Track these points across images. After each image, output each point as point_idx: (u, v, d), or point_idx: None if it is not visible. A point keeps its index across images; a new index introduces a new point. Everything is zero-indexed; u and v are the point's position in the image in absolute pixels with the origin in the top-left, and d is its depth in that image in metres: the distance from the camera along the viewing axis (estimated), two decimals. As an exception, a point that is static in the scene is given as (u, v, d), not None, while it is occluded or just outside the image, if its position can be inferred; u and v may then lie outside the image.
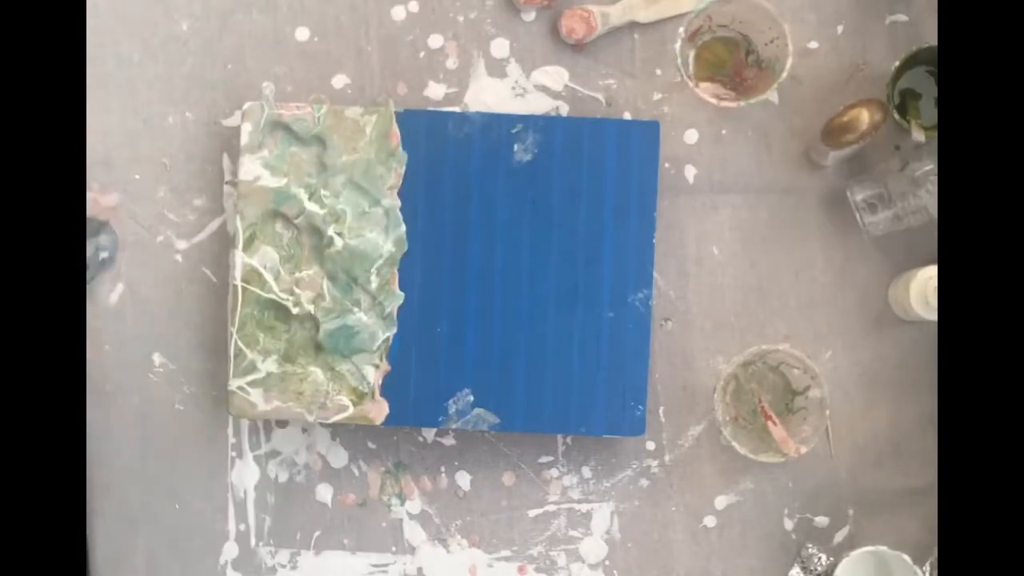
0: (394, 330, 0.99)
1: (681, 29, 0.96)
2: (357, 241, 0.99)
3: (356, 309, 0.99)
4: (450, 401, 0.99)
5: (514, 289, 0.99)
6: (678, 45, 0.96)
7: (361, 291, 0.99)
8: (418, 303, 0.99)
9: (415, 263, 0.99)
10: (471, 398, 0.99)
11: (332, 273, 0.99)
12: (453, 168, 1.00)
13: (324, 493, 1.05)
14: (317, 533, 1.05)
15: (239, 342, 0.99)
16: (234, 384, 0.99)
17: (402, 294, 0.99)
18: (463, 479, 1.04)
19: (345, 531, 1.05)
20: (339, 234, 0.99)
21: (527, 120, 0.99)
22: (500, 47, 1.04)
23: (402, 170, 0.99)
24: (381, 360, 0.99)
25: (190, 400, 1.05)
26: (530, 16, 1.04)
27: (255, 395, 0.99)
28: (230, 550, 1.05)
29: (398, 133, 0.99)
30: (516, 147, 0.99)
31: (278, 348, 0.99)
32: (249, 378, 0.99)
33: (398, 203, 0.99)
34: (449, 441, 1.04)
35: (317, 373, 0.99)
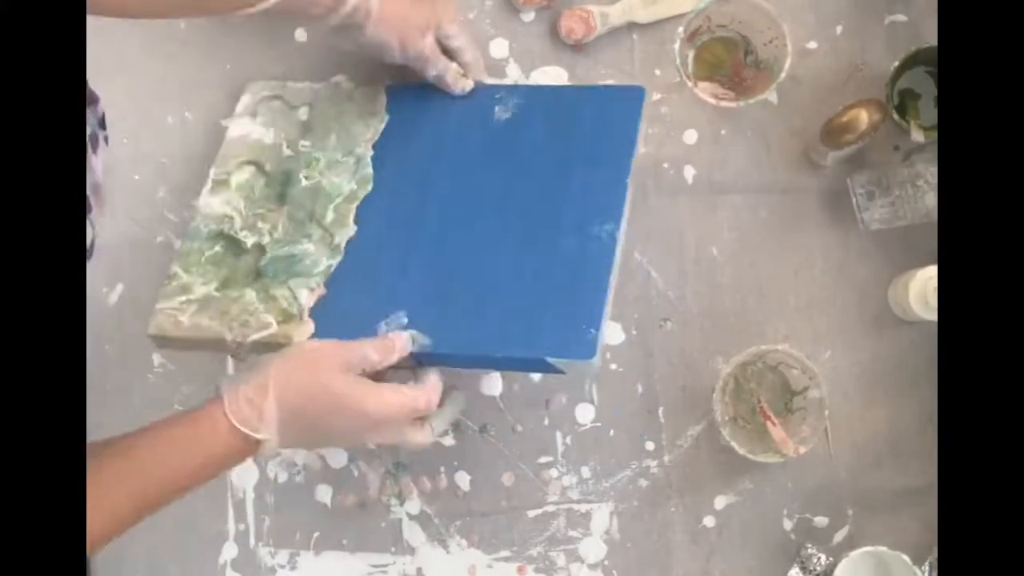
0: (339, 259, 0.95)
1: (680, 29, 0.96)
2: (322, 182, 0.98)
3: (305, 241, 0.96)
4: (381, 323, 0.91)
5: (471, 223, 0.94)
6: (677, 45, 0.96)
7: (315, 226, 0.97)
8: (372, 237, 0.95)
9: (378, 203, 0.97)
10: (404, 320, 0.90)
11: (291, 212, 0.98)
12: (431, 126, 0.99)
13: (323, 493, 1.05)
14: (316, 533, 1.05)
15: (177, 267, 0.97)
16: (162, 304, 0.95)
17: (354, 227, 0.96)
18: (462, 479, 1.04)
19: (344, 531, 1.05)
20: (307, 177, 0.99)
21: (512, 88, 1.00)
22: (499, 47, 1.04)
23: (382, 127, 1.00)
24: (318, 286, 0.94)
25: (189, 400, 1.04)
26: (529, 16, 1.04)
27: (179, 315, 0.94)
28: (229, 550, 1.05)
29: (385, 100, 1.01)
30: (497, 108, 0.99)
31: (219, 276, 0.96)
32: (179, 299, 0.95)
33: (370, 152, 0.99)
34: (449, 441, 1.04)
35: (249, 294, 0.95)
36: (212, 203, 0.98)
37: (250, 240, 0.97)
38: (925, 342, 1.02)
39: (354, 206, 0.97)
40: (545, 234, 0.92)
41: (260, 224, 0.98)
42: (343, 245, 0.95)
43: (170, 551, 1.05)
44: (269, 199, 0.98)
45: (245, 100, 1.00)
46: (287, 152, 0.99)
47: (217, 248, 0.97)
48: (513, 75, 1.04)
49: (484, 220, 0.94)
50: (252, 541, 1.05)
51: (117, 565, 1.05)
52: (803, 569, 1.02)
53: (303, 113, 1.00)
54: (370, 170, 0.98)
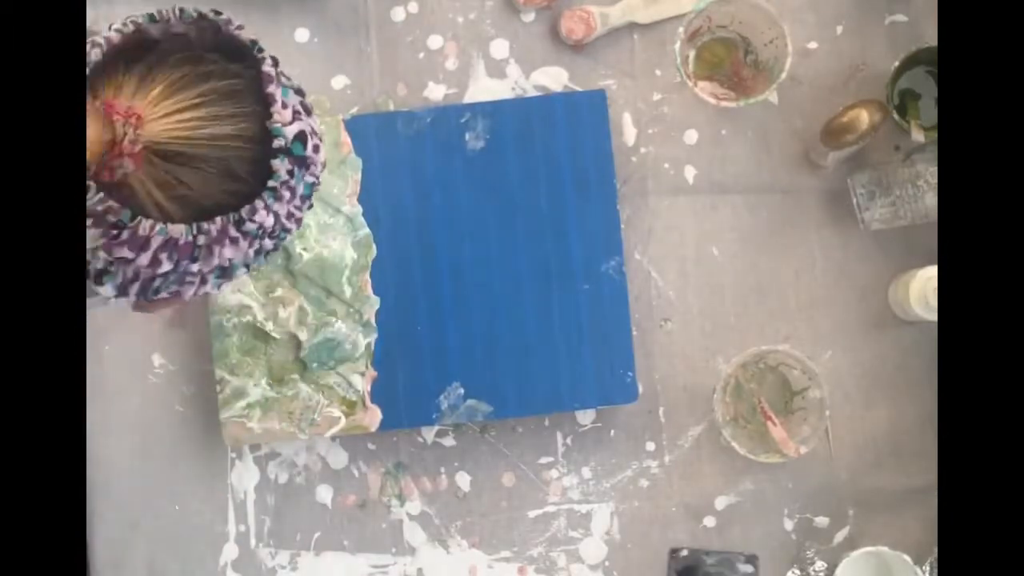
0: (375, 335, 0.99)
1: (680, 29, 0.96)
2: (323, 252, 0.99)
3: (333, 319, 0.99)
4: (441, 397, 0.99)
5: (486, 276, 0.99)
6: (677, 45, 0.96)
7: (336, 301, 0.99)
8: (395, 305, 0.99)
9: (386, 266, 0.99)
10: (461, 391, 0.99)
11: (304, 288, 0.99)
12: (409, 166, 1.00)
13: (324, 494, 1.05)
14: (317, 534, 1.05)
15: (222, 372, 0.99)
16: (226, 414, 0.99)
17: (377, 299, 0.99)
18: (463, 480, 1.04)
19: (345, 532, 1.05)
20: (305, 249, 0.99)
21: (474, 108, 1.00)
22: (500, 48, 1.04)
23: (358, 176, 0.99)
24: (367, 367, 0.99)
25: (190, 401, 1.04)
26: (529, 17, 1.04)
27: (247, 422, 0.99)
28: (230, 551, 1.05)
29: (348, 140, 0.99)
30: (467, 136, 1.00)
31: (262, 369, 0.99)
32: (240, 405, 0.99)
33: (359, 209, 0.99)
34: (449, 442, 1.04)
35: (304, 388, 0.99)
36: (224, 294, 0.99)
37: (278, 332, 0.99)
38: (925, 342, 1.02)
39: (367, 275, 0.99)
40: (560, 282, 0.99)
41: (281, 312, 0.99)
42: (373, 320, 0.99)
43: (171, 552, 1.05)
44: (276, 273, 0.99)
45: None
46: None
47: (246, 338, 0.99)
48: (513, 75, 1.04)
49: (496, 270, 0.99)
50: (253, 542, 1.05)
51: (117, 566, 1.05)
52: (803, 574, 1.02)
53: None
54: (367, 230, 0.99)
